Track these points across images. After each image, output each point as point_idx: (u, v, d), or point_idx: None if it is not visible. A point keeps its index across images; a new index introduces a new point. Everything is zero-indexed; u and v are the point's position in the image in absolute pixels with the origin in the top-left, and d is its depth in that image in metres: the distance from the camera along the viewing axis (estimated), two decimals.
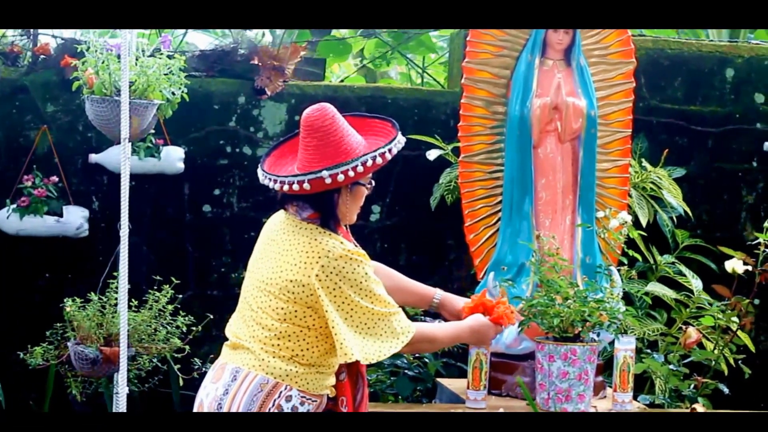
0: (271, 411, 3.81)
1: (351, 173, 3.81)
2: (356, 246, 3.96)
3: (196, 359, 5.73)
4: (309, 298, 3.81)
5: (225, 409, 3.85)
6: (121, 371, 5.01)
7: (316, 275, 3.80)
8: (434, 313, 4.49)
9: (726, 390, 5.75)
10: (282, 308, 3.83)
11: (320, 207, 3.89)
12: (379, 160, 3.84)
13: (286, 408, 3.83)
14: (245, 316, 3.94)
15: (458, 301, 4.37)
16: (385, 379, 5.82)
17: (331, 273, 3.80)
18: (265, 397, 3.83)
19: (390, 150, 3.88)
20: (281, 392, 3.83)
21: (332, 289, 3.80)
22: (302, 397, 3.85)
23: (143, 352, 5.52)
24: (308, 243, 3.84)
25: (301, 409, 3.84)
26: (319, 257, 3.81)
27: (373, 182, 4.02)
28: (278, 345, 3.84)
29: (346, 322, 3.83)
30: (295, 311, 3.83)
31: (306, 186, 3.81)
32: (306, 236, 3.86)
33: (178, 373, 5.74)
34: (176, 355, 5.63)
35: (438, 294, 4.42)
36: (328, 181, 3.79)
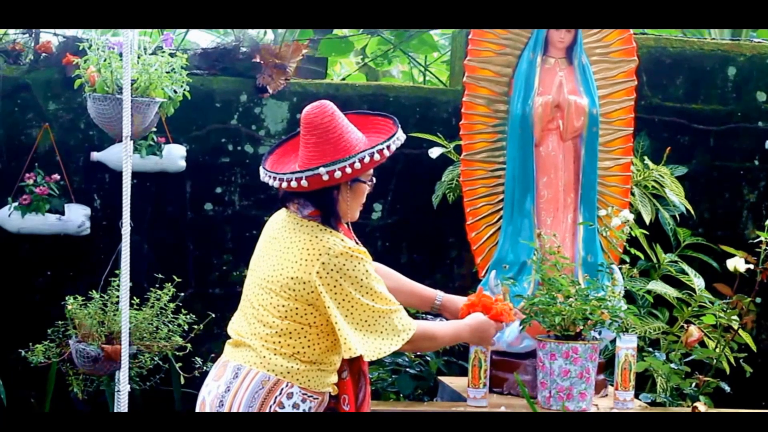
0: (273, 408, 3.82)
1: (348, 170, 3.83)
2: (357, 243, 3.97)
3: (197, 358, 5.73)
4: (310, 295, 3.82)
5: (226, 407, 3.86)
6: (122, 369, 5.02)
7: (317, 272, 3.81)
8: (435, 314, 4.50)
9: (727, 389, 5.75)
10: (283, 305, 3.84)
11: (320, 204, 3.91)
12: (377, 157, 3.85)
13: (288, 405, 3.83)
14: (247, 314, 3.96)
15: (459, 302, 4.39)
16: (386, 377, 5.83)
17: (332, 270, 3.81)
18: (267, 394, 3.84)
19: (388, 147, 3.88)
20: (282, 389, 3.84)
21: (333, 286, 3.81)
22: (303, 394, 3.86)
23: (145, 350, 5.53)
24: (309, 240, 3.85)
25: (303, 407, 3.85)
26: (320, 254, 3.82)
27: (374, 179, 4.02)
28: (279, 342, 3.86)
29: (347, 319, 3.84)
30: (296, 308, 3.84)
31: (304, 183, 3.82)
32: (307, 234, 3.88)
33: (180, 371, 5.74)
34: (177, 354, 5.63)
35: (439, 296, 4.44)
36: (326, 177, 3.81)
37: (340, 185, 3.91)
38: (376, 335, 3.89)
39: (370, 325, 3.87)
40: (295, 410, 3.84)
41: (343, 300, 3.83)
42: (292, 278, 3.83)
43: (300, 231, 3.90)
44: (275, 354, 3.86)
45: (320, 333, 3.88)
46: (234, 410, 3.84)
